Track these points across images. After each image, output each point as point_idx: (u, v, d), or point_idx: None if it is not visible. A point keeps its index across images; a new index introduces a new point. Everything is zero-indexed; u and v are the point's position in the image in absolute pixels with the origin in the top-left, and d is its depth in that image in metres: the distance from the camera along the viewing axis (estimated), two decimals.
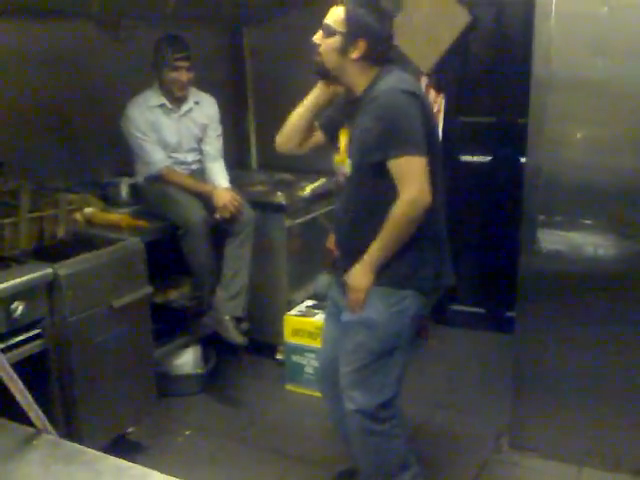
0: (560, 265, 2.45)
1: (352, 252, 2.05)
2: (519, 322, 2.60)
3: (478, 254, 3.84)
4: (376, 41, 1.96)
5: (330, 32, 1.98)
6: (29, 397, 1.25)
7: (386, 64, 2.02)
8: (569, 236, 2.42)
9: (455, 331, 3.87)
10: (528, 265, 2.49)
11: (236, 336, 3.02)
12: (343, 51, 1.97)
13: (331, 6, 2.02)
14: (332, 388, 2.23)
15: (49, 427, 1.28)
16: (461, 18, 3.54)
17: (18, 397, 1.24)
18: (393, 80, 1.96)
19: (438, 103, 3.61)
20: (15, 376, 1.23)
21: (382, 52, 2.00)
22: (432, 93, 3.61)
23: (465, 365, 3.50)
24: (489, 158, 3.75)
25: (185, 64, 3.03)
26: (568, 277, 2.46)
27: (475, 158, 3.76)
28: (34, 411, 1.26)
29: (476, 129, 3.75)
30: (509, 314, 3.55)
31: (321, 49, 2.01)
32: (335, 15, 1.98)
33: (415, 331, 2.13)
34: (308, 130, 2.20)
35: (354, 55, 1.97)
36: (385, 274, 2.01)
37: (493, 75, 3.63)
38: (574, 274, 2.45)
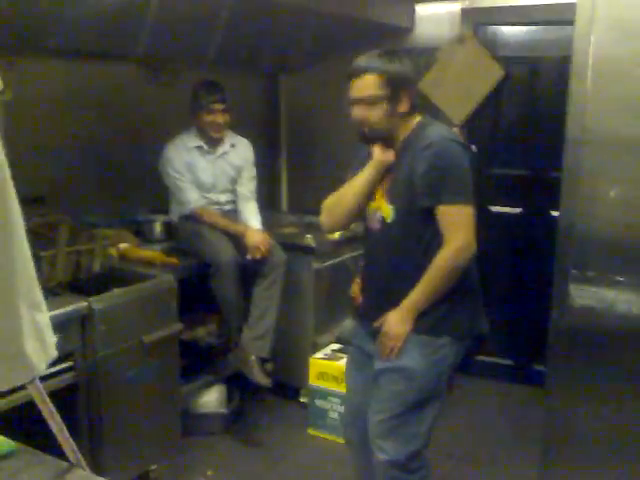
0: (592, 321, 2.42)
1: (388, 299, 2.05)
2: (550, 377, 2.55)
3: (507, 306, 3.81)
4: (414, 87, 2.03)
5: (373, 101, 1.96)
6: (66, 431, 1.27)
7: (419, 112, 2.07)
8: (602, 292, 2.40)
9: (481, 382, 3.82)
10: (560, 319, 2.47)
11: (260, 377, 3.03)
12: (392, 111, 1.98)
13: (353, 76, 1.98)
14: (358, 437, 2.21)
15: (82, 462, 1.29)
16: (495, 72, 3.60)
17: (55, 430, 1.27)
18: (442, 130, 2.02)
19: None
20: (54, 409, 1.26)
21: (417, 98, 2.06)
22: None
23: (492, 418, 3.44)
24: (519, 210, 3.75)
25: (220, 107, 3.12)
26: (600, 333, 2.42)
27: (506, 209, 3.78)
28: (69, 445, 1.28)
29: (507, 181, 3.77)
30: (537, 367, 3.52)
31: (370, 120, 1.98)
32: (369, 84, 1.95)
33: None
34: (360, 210, 2.14)
35: (402, 109, 1.99)
36: (422, 321, 2.00)
37: (525, 129, 3.67)
38: (606, 330, 2.41)
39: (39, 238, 2.57)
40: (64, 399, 2.22)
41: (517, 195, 3.76)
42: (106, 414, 2.35)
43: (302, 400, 3.43)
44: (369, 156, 2.09)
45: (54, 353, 1.20)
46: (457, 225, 1.94)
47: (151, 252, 3.03)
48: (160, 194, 3.25)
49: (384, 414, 2.05)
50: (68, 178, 3.06)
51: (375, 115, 1.97)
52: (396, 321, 2.00)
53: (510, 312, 3.81)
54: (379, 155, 2.04)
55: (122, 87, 3.29)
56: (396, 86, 1.96)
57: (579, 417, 2.50)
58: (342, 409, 3.14)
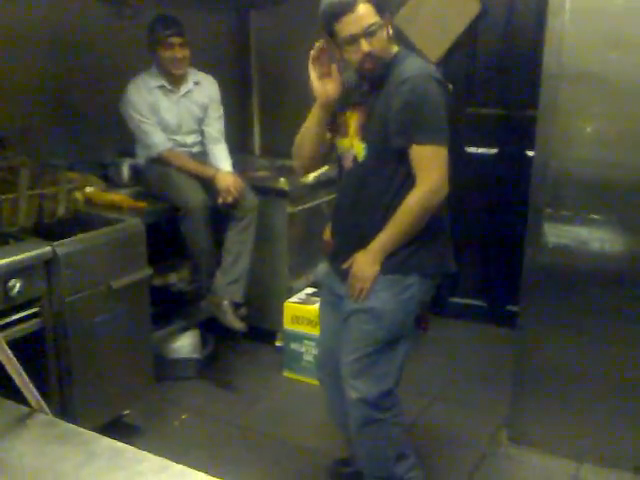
0: (566, 260, 2.43)
1: (357, 240, 2.02)
2: (522, 316, 2.58)
3: (480, 246, 3.82)
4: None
5: (376, 30, 1.85)
6: (25, 376, 1.22)
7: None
8: (576, 231, 2.40)
9: (455, 323, 3.86)
10: (533, 259, 2.47)
11: (234, 321, 3.00)
12: (388, 35, 1.89)
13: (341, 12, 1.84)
14: (331, 377, 2.21)
15: (44, 407, 1.25)
16: (471, 7, 3.50)
17: (14, 376, 1.22)
18: (419, 64, 1.92)
19: None
20: (11, 354, 1.20)
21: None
22: None
23: (464, 358, 3.48)
24: (495, 150, 3.71)
25: (178, 40, 2.99)
26: (574, 272, 2.43)
27: (481, 150, 3.73)
28: (29, 390, 1.23)
29: (483, 121, 3.71)
30: (510, 308, 3.54)
31: (377, 51, 1.86)
32: (366, 14, 1.83)
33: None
34: (326, 151, 2.11)
35: (390, 31, 1.91)
36: (389, 261, 1.98)
37: (502, 67, 3.59)
38: (580, 269, 2.42)
39: None
40: (32, 346, 2.19)
41: (493, 135, 3.70)
42: (75, 360, 2.31)
43: (277, 344, 3.43)
44: (348, 84, 2.01)
45: None
46: (430, 166, 1.88)
47: (118, 196, 2.94)
48: (127, 136, 3.13)
49: (355, 354, 2.05)
50: (29, 119, 2.93)
51: (380, 44, 1.87)
52: (364, 262, 1.97)
53: (483, 254, 3.83)
54: (320, 91, 1.94)
55: (82, 23, 3.12)
56: (383, 9, 1.87)
57: (549, 353, 2.54)
58: (317, 352, 3.16)
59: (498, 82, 3.61)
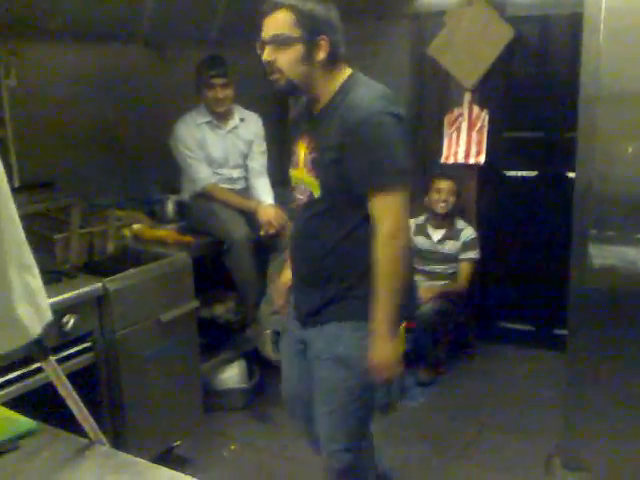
0: (613, 281, 2.38)
1: (316, 282, 1.88)
2: (571, 339, 2.53)
3: (525, 270, 3.77)
4: (336, 35, 1.74)
5: (285, 41, 1.71)
6: (84, 409, 1.27)
7: (347, 66, 1.81)
8: (622, 251, 2.36)
9: (502, 348, 3.80)
10: (579, 281, 2.43)
11: (271, 352, 3.03)
12: (308, 57, 1.73)
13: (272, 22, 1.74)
14: (302, 417, 2.12)
15: (102, 438, 1.30)
16: (504, 34, 3.51)
17: (73, 409, 1.27)
18: (373, 94, 1.74)
19: (482, 119, 3.59)
20: (71, 388, 1.25)
21: (342, 49, 1.77)
22: (475, 109, 3.59)
23: (513, 383, 3.42)
24: (535, 173, 3.69)
25: (220, 81, 3.09)
26: (622, 293, 2.38)
27: (520, 173, 3.72)
28: (88, 422, 1.28)
29: (521, 144, 3.70)
30: (558, 331, 3.49)
31: (280, 64, 1.73)
32: (279, 22, 1.71)
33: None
34: None
35: (320, 56, 1.74)
36: (349, 308, 1.84)
37: (538, 90, 3.59)
38: (628, 290, 2.37)
39: (52, 222, 2.59)
40: (85, 380, 2.26)
41: (532, 158, 3.69)
42: (127, 393, 2.37)
43: None
44: (298, 111, 1.92)
45: (49, 316, 1.15)
46: (389, 213, 1.73)
47: (165, 231, 3.03)
48: (171, 173, 3.23)
49: (328, 406, 1.92)
50: (78, 161, 3.05)
51: (287, 59, 1.72)
52: (380, 350, 1.78)
53: (528, 277, 3.78)
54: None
55: (127, 67, 3.26)
56: (312, 28, 1.71)
57: (602, 378, 2.47)
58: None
59: (535, 105, 3.61)
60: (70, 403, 1.26)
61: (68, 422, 1.30)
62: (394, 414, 2.57)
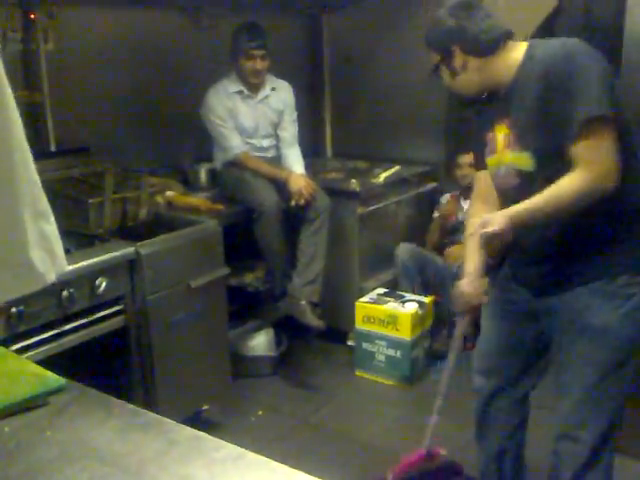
0: None
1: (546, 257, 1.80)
2: None
3: None
4: (465, 34, 1.74)
5: (433, 71, 1.85)
6: None
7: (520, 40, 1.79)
8: None
9: None
10: None
11: (313, 320, 3.05)
12: (453, 69, 1.80)
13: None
14: (492, 388, 2.01)
15: None
16: (547, 2, 3.41)
17: None
18: (561, 40, 1.72)
19: None
20: None
21: (486, 36, 1.74)
22: None
23: None
24: None
25: (260, 52, 3.07)
26: None
27: None
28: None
29: None
30: None
31: (451, 87, 1.87)
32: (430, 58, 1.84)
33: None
34: None
35: (458, 63, 1.79)
36: (597, 266, 1.73)
37: None
38: None
39: (86, 187, 2.64)
40: (117, 342, 2.32)
41: None
42: (157, 356, 2.41)
43: (349, 343, 3.46)
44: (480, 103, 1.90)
45: (64, 265, 1.13)
46: (594, 151, 1.61)
47: (197, 199, 3.06)
48: (204, 141, 3.25)
49: (577, 387, 1.80)
50: (113, 127, 3.09)
51: (447, 82, 1.85)
52: (494, 218, 1.70)
53: None
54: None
55: (163, 34, 3.26)
56: (439, 48, 1.81)
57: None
58: (388, 351, 3.17)
59: None
60: None
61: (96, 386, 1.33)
62: None
